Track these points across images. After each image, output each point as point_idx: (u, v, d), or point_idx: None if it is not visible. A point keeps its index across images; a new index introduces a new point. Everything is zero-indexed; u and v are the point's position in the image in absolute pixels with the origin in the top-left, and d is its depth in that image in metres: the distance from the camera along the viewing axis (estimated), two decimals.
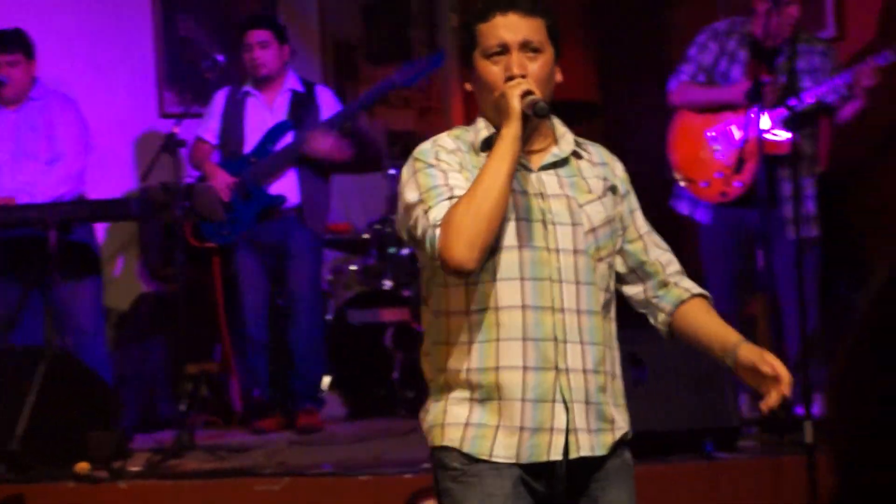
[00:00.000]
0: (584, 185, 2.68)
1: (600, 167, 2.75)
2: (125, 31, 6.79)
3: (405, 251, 6.29)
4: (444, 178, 2.58)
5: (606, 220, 2.68)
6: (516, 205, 2.62)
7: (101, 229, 6.18)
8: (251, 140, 5.77)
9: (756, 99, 4.79)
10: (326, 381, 6.04)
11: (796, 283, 4.59)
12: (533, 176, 2.67)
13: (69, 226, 5.44)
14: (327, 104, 5.80)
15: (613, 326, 2.72)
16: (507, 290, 2.60)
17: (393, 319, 6.19)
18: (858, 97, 4.90)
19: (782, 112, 4.86)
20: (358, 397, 6.19)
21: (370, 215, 6.62)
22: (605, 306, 2.69)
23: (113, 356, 6.12)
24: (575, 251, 2.63)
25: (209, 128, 5.86)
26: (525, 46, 2.61)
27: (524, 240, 2.61)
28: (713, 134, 5.14)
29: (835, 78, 4.92)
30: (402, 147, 7.32)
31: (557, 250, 2.61)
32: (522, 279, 2.60)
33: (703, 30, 5.24)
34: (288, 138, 5.71)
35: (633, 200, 2.78)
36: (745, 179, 4.99)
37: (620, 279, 2.76)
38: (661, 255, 2.77)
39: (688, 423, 4.47)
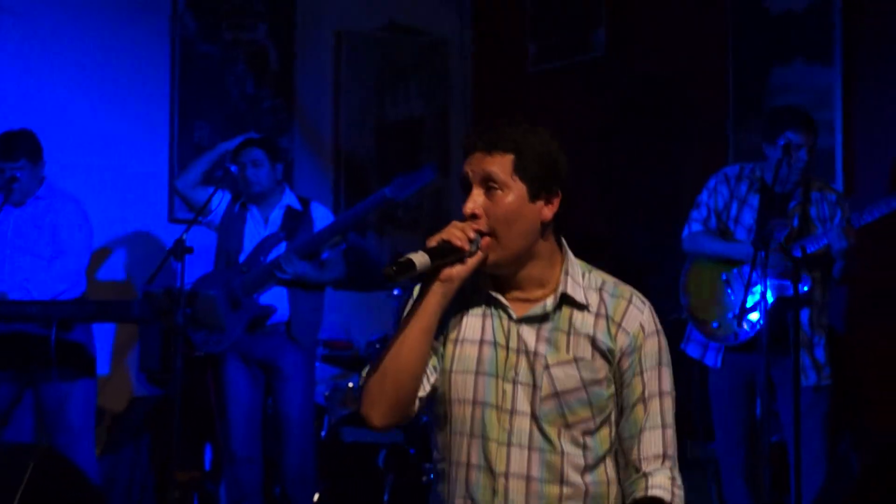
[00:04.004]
0: (563, 343, 2.56)
1: (602, 322, 2.58)
2: (142, 135, 6.86)
3: None
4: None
5: (579, 386, 2.54)
6: (481, 356, 2.57)
7: (101, 330, 6.15)
8: (246, 249, 5.80)
9: (765, 245, 4.78)
10: (315, 498, 5.96)
11: (805, 436, 4.50)
12: (512, 326, 2.58)
13: (70, 324, 5.42)
14: (321, 220, 5.83)
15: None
16: (456, 445, 2.58)
17: (386, 441, 6.14)
18: (837, 258, 4.85)
19: (793, 257, 4.83)
20: None
21: (370, 333, 6.60)
22: (579, 474, 2.56)
23: (103, 458, 6.05)
24: (532, 415, 2.54)
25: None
26: (484, 182, 2.53)
27: (479, 395, 2.56)
28: (726, 276, 5.12)
29: (828, 232, 4.86)
30: None
31: (512, 411, 2.55)
32: (472, 436, 2.56)
33: (714, 174, 5.27)
34: (280, 249, 5.73)
35: (642, 361, 2.58)
36: (757, 323, 4.93)
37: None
38: (645, 434, 2.58)
39: None
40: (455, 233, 2.48)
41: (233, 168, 5.92)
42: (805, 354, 4.91)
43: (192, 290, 5.80)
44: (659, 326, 2.61)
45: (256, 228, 5.82)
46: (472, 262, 2.51)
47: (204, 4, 7.10)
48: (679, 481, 2.57)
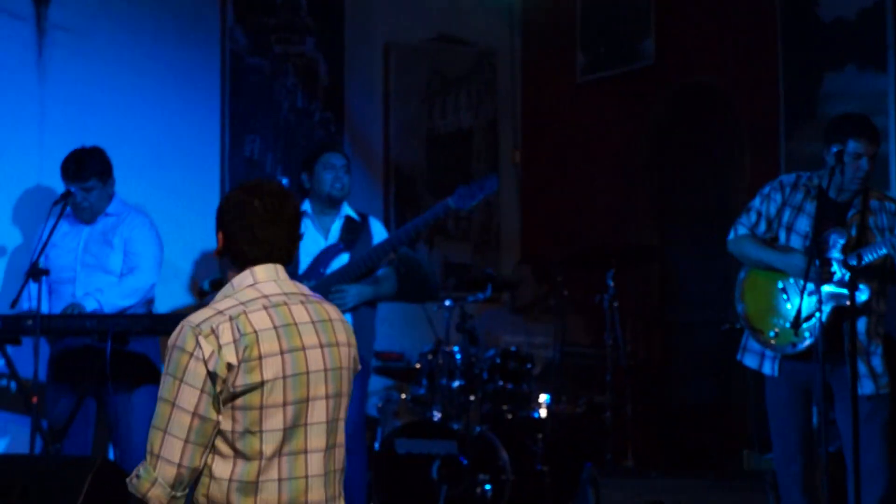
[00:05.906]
0: None
1: None
2: (195, 149, 6.91)
3: (456, 383, 6.28)
4: None
5: None
6: None
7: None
8: (304, 261, 5.80)
9: (819, 254, 4.74)
10: None
11: (863, 445, 4.47)
12: None
13: (125, 337, 5.45)
14: (379, 235, 5.84)
15: None
16: None
17: (440, 451, 6.14)
18: None
19: (850, 266, 4.79)
20: None
21: (423, 345, 6.61)
22: None
23: None
24: None
25: None
26: None
27: None
28: (783, 284, 5.06)
29: (886, 242, 4.76)
30: (458, 279, 7.35)
31: None
32: None
33: (770, 182, 5.22)
34: (340, 260, 5.74)
35: None
36: (816, 332, 4.88)
37: None
38: None
39: None
40: None
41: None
42: (862, 363, 4.85)
43: None
44: (175, 343, 2.98)
45: (314, 240, 5.82)
46: None
47: (253, 19, 7.16)
48: (139, 472, 2.98)
